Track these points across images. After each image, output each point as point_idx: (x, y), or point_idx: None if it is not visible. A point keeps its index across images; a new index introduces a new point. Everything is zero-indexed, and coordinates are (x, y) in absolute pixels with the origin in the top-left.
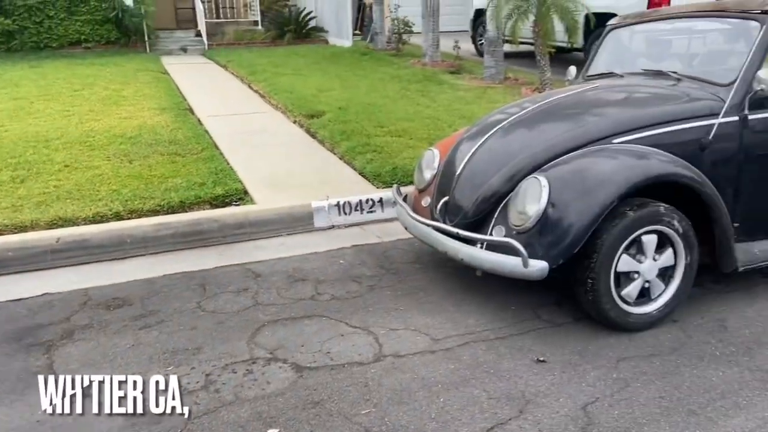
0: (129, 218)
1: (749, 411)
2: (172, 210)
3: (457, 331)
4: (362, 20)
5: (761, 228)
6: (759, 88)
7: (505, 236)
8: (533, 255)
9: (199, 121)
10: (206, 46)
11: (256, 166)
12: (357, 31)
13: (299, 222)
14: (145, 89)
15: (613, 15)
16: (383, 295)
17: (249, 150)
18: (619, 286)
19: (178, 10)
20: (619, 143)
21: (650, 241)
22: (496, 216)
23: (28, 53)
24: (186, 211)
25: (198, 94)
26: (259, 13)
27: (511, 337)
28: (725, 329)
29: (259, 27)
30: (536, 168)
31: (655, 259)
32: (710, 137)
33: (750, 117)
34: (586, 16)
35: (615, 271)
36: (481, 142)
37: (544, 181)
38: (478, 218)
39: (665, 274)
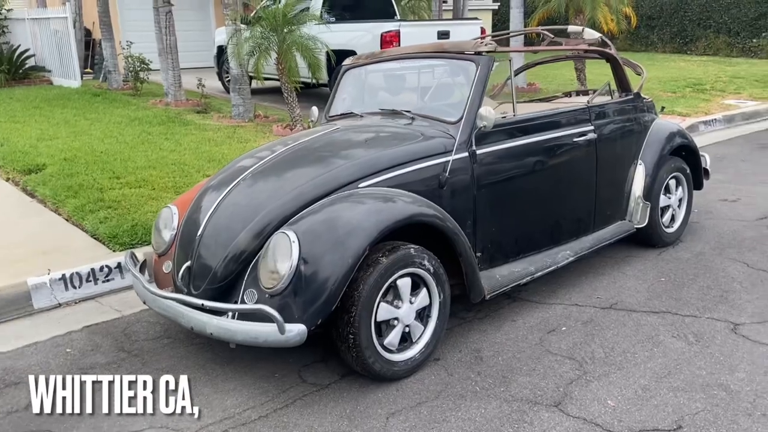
0: None
1: None
2: None
3: (214, 417)
4: (93, 58)
5: (499, 254)
6: (482, 125)
7: (257, 301)
8: (290, 318)
9: None
10: None
11: None
12: (89, 70)
13: (13, 306)
14: None
15: (353, 52)
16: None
17: None
18: (380, 335)
19: None
20: (365, 187)
21: (405, 284)
22: (246, 278)
23: None
24: None
25: None
26: None
27: (276, 413)
28: (481, 360)
29: None
30: (286, 220)
31: (411, 302)
32: (447, 174)
33: (478, 152)
34: (327, 53)
35: (375, 321)
36: (224, 194)
37: (292, 236)
38: (226, 283)
39: (422, 314)
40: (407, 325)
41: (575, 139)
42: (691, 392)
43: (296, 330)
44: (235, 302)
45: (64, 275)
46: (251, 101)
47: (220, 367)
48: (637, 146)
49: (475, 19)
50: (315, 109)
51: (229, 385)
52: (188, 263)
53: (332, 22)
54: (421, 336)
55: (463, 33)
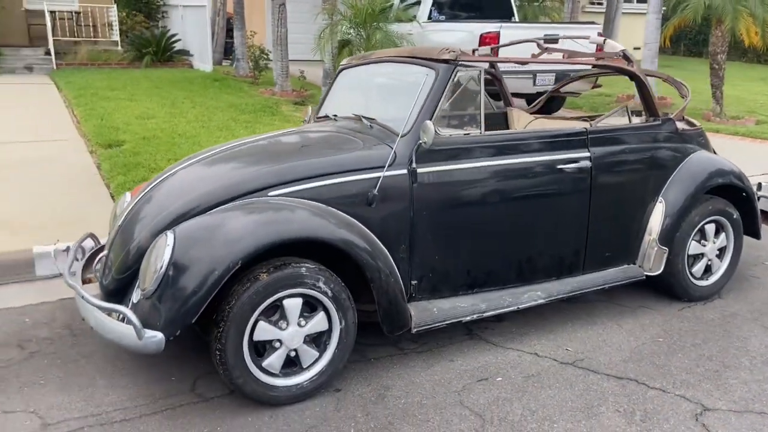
0: None
1: None
2: None
3: (83, 412)
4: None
5: (444, 285)
6: (422, 141)
7: (138, 300)
8: (152, 324)
9: None
10: (54, 66)
11: (3, 203)
12: (231, 57)
13: (16, 270)
14: None
15: None
16: (36, 365)
17: (11, 183)
18: (261, 355)
19: (31, 26)
20: (275, 195)
21: (294, 305)
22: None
23: None
24: None
25: (3, 119)
26: (118, 33)
27: (141, 418)
28: (383, 400)
29: (119, 48)
30: (182, 221)
31: (301, 325)
32: (375, 191)
33: (420, 170)
34: None
35: (251, 340)
36: (152, 186)
37: (170, 238)
38: (126, 277)
39: (319, 340)
40: (294, 349)
41: (561, 166)
42: None
43: (155, 338)
44: (129, 299)
45: (68, 247)
46: None
47: (129, 361)
48: (659, 181)
49: (592, 23)
50: (310, 109)
51: (123, 381)
52: (106, 252)
53: (441, 21)
54: (314, 363)
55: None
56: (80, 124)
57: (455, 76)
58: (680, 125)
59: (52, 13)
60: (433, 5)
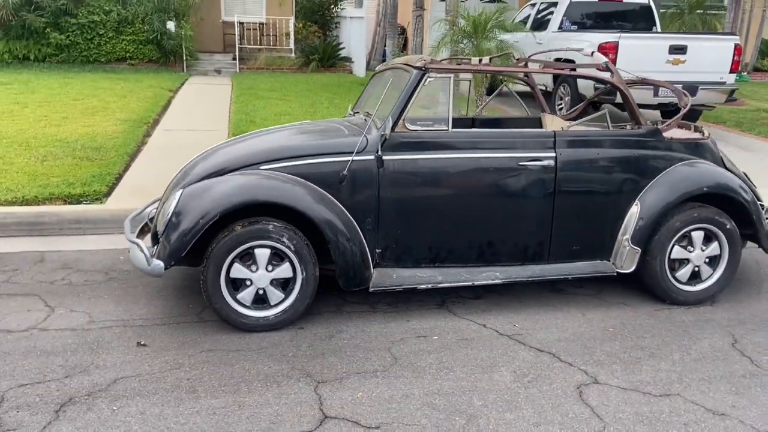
0: None
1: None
2: (26, 202)
3: (119, 317)
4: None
5: (407, 256)
6: (383, 132)
7: (159, 239)
8: (161, 256)
9: (148, 133)
10: (238, 69)
11: (145, 174)
12: None
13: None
14: (133, 103)
15: (572, 61)
16: (108, 285)
17: (159, 161)
18: (237, 289)
19: (226, 35)
20: (264, 170)
21: (263, 254)
22: None
23: (76, 66)
24: (38, 205)
25: (179, 111)
26: (293, 41)
27: (152, 326)
28: (330, 338)
29: (292, 55)
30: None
31: (268, 270)
32: (345, 172)
33: (386, 157)
34: None
35: (227, 276)
36: (193, 159)
37: (178, 194)
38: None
39: (286, 285)
40: (262, 288)
41: (524, 164)
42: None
43: (158, 265)
44: None
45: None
46: None
47: (174, 289)
48: (636, 184)
49: (731, 33)
50: (350, 107)
51: (160, 302)
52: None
53: (572, 31)
54: (279, 303)
55: (709, 49)
56: (231, 117)
57: (425, 80)
58: (672, 134)
59: (241, 24)
60: (564, 15)
